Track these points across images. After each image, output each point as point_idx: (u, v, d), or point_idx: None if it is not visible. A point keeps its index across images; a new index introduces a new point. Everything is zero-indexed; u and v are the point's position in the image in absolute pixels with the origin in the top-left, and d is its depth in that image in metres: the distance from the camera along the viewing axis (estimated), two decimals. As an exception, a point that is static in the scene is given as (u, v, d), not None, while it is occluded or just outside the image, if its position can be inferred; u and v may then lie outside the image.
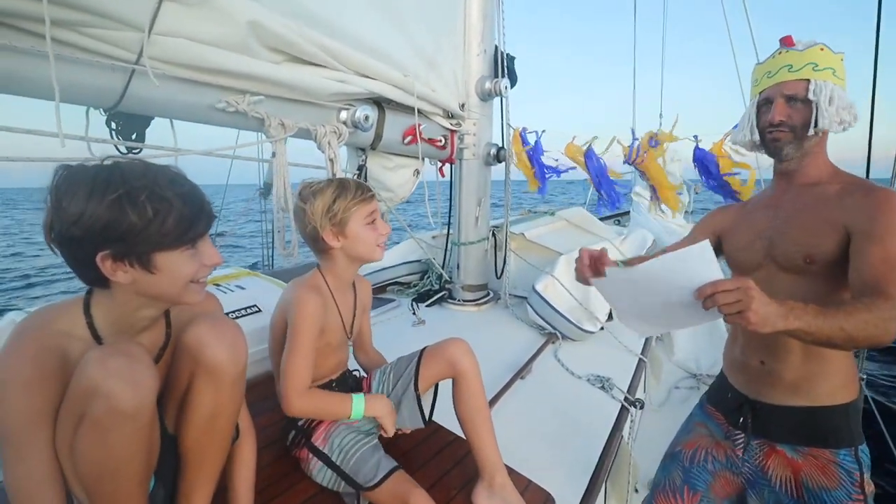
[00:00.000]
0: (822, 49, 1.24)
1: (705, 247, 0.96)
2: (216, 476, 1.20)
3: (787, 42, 1.29)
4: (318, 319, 1.41)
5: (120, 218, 0.91)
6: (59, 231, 0.92)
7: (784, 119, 1.26)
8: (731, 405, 1.40)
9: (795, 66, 1.25)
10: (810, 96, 1.23)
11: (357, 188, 1.45)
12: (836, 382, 1.23)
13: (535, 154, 3.35)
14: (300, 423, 1.49)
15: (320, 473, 1.42)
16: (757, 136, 1.35)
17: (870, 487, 1.21)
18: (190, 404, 1.11)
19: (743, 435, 1.35)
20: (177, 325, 1.18)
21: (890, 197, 1.15)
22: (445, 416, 1.62)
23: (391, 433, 1.49)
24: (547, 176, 3.38)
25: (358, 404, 1.41)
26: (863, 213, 1.15)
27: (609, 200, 3.53)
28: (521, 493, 1.48)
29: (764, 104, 1.31)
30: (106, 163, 0.96)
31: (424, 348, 1.59)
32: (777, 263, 1.28)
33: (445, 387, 1.59)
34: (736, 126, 1.47)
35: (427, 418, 1.55)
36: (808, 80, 1.23)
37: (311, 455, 1.44)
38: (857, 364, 1.30)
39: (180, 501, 1.16)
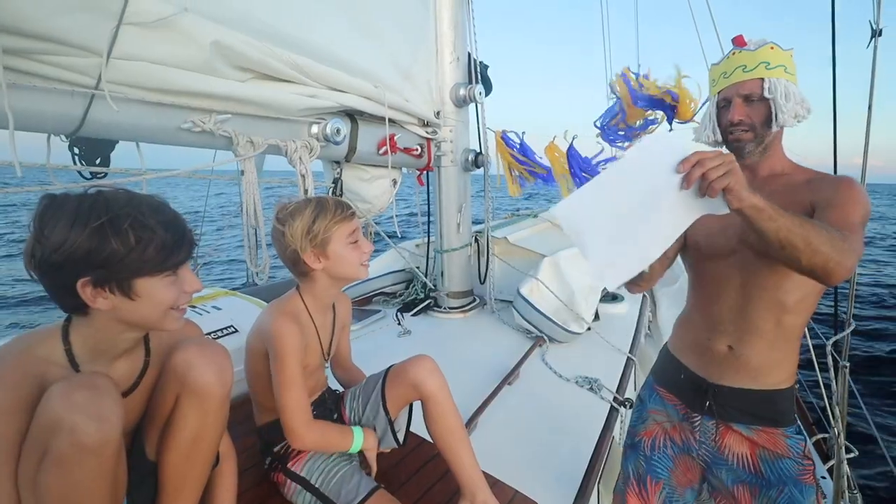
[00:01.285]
0: (772, 48, 1.29)
1: (673, 136, 0.96)
2: (196, 501, 1.19)
3: (738, 42, 1.34)
4: (300, 348, 1.38)
5: (102, 245, 0.92)
6: (41, 258, 0.92)
7: (743, 118, 1.31)
8: (686, 387, 1.42)
9: (749, 65, 1.30)
10: (766, 94, 1.28)
11: (337, 207, 1.41)
12: (787, 370, 1.31)
13: (524, 153, 3.33)
14: (276, 448, 1.47)
15: (299, 496, 1.39)
16: (720, 136, 1.38)
17: (810, 454, 1.31)
18: (173, 427, 1.11)
19: (698, 418, 1.39)
20: (156, 351, 1.18)
21: (852, 182, 1.23)
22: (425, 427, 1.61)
23: (374, 471, 1.48)
24: (534, 173, 3.35)
25: (358, 438, 1.41)
26: (827, 190, 1.22)
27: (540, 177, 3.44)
28: (507, 503, 1.47)
29: (723, 104, 1.35)
30: (91, 192, 0.97)
31: (390, 367, 1.56)
32: (752, 248, 1.30)
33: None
34: (697, 128, 1.48)
35: (402, 440, 1.54)
36: (763, 79, 1.28)
37: (288, 479, 1.41)
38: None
39: None
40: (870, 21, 2.21)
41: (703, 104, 3.15)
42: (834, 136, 2.42)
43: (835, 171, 2.40)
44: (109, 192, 0.98)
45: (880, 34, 2.21)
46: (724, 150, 1.39)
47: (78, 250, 0.91)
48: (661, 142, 0.99)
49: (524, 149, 3.35)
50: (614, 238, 1.03)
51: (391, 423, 1.51)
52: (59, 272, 0.93)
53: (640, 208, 1.00)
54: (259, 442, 1.53)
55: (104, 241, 0.92)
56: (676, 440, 1.44)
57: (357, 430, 1.42)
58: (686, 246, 1.46)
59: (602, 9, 7.19)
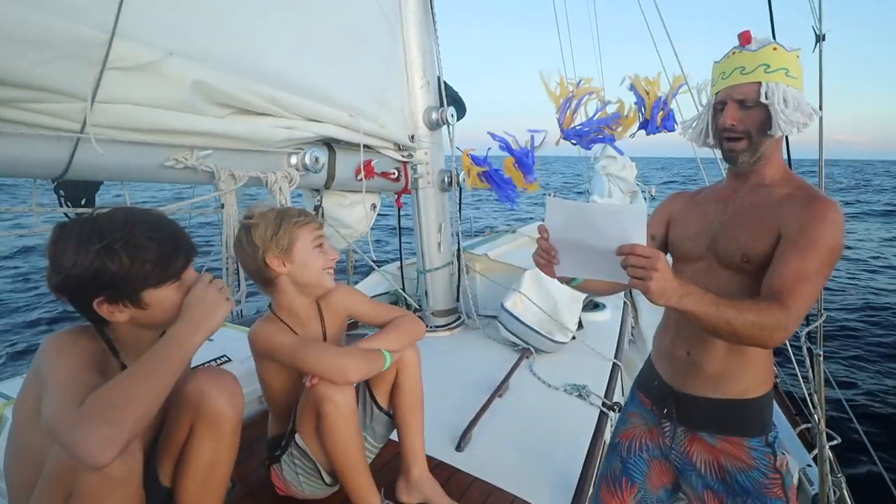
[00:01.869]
0: (774, 49, 1.21)
1: (641, 211, 1.04)
2: None
3: (744, 39, 1.26)
4: (287, 332, 1.43)
5: (103, 268, 1.01)
6: (57, 284, 1.02)
7: (735, 123, 1.24)
8: (657, 394, 1.44)
9: (748, 67, 1.23)
10: (762, 100, 1.21)
11: (300, 212, 1.45)
12: (753, 379, 1.29)
13: (492, 171, 3.41)
14: (276, 452, 1.51)
15: (303, 478, 1.46)
16: (712, 140, 1.35)
17: (784, 466, 1.28)
18: (189, 455, 1.16)
19: (669, 423, 1.40)
20: None
21: (826, 210, 1.16)
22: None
23: None
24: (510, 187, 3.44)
25: (388, 357, 1.43)
26: (795, 221, 1.17)
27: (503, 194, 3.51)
28: None
29: (719, 107, 1.29)
30: (91, 216, 1.07)
31: None
32: (717, 258, 1.31)
33: (433, 404, 1.63)
34: (685, 122, 1.47)
35: None
36: (760, 83, 1.21)
37: (280, 471, 1.48)
38: (773, 359, 1.36)
39: None
40: (812, 27, 2.35)
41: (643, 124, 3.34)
42: (820, 124, 2.52)
43: (820, 161, 2.49)
44: (104, 216, 1.06)
45: (824, 38, 2.34)
46: (718, 154, 1.38)
47: (86, 274, 1.00)
48: (624, 213, 1.08)
49: (489, 166, 3.42)
50: (569, 248, 1.18)
51: (388, 413, 1.55)
52: (76, 294, 1.04)
53: (584, 247, 1.14)
54: (267, 453, 1.56)
55: (103, 264, 1.00)
56: (652, 444, 1.45)
57: (385, 351, 1.44)
58: (665, 246, 1.48)
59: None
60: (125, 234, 1.03)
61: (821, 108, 2.39)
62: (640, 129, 3.50)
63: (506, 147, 3.38)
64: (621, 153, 6.70)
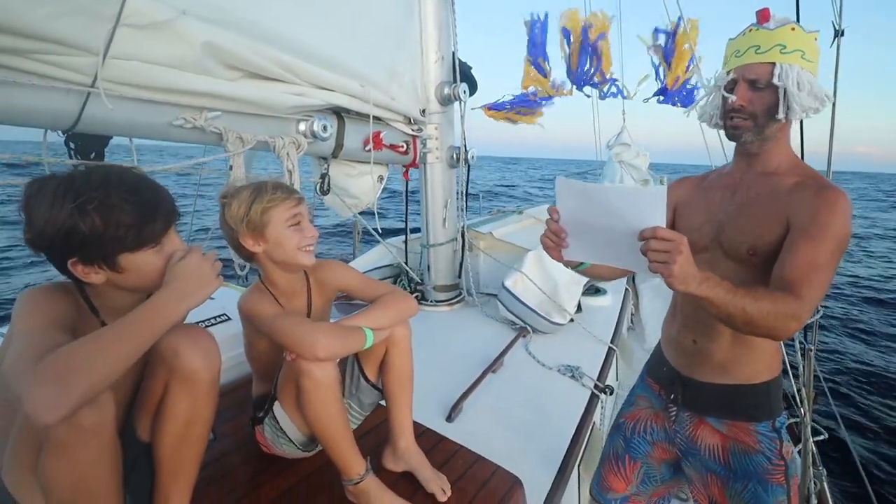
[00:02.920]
0: (792, 28, 1.17)
1: (660, 193, 0.99)
2: (192, 483, 1.23)
3: (762, 17, 1.21)
4: (272, 302, 1.44)
5: (75, 228, 0.97)
6: (29, 240, 1.00)
7: (745, 104, 1.22)
8: (665, 379, 1.46)
9: (763, 46, 1.18)
10: (775, 81, 1.17)
11: (275, 188, 1.40)
12: (759, 365, 1.29)
13: (515, 103, 3.43)
14: (260, 414, 1.55)
15: (282, 441, 1.50)
16: (719, 120, 1.32)
17: (789, 455, 1.28)
18: (165, 412, 1.15)
19: (675, 408, 1.42)
20: None
21: (838, 199, 1.14)
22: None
23: None
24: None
25: (369, 335, 1.41)
26: (806, 210, 1.15)
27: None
28: (487, 478, 1.55)
29: (730, 85, 1.25)
30: (68, 173, 1.03)
31: None
32: (722, 249, 1.30)
33: (427, 376, 1.65)
34: (700, 100, 1.43)
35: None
36: (774, 64, 1.17)
37: (264, 431, 1.53)
38: (780, 346, 1.35)
39: None
40: (832, 21, 2.31)
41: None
42: (832, 116, 2.51)
43: (829, 153, 2.46)
44: (81, 175, 1.03)
45: (843, 34, 2.30)
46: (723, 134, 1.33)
47: (58, 234, 0.97)
48: (642, 194, 1.05)
49: (515, 101, 3.42)
50: (580, 231, 1.15)
51: (375, 386, 1.58)
52: (51, 252, 1.01)
53: (600, 231, 1.10)
54: (252, 413, 1.60)
55: (75, 225, 0.97)
56: (658, 427, 1.47)
57: (367, 330, 1.41)
58: None
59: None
60: (100, 194, 0.99)
61: (834, 105, 2.38)
62: (655, 94, 3.43)
63: (501, 106, 3.39)
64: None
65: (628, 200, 1.03)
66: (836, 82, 2.26)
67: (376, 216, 2.95)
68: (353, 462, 1.37)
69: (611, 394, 2.48)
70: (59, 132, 1.62)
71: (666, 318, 1.51)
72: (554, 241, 1.17)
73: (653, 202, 1.00)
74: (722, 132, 1.33)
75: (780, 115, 1.19)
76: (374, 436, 1.69)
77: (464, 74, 3.13)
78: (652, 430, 1.49)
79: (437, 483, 1.49)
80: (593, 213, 1.09)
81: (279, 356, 1.46)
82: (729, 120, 1.26)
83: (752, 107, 1.21)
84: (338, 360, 1.40)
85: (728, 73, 1.26)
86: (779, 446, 1.27)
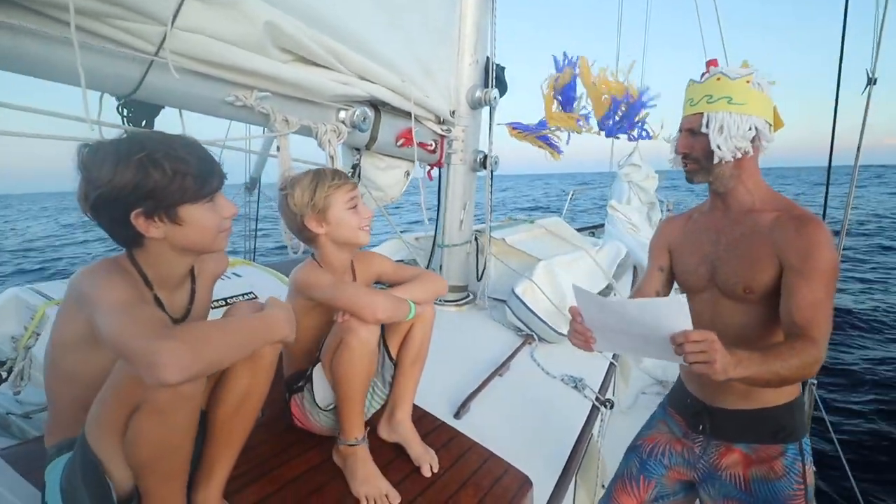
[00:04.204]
0: (718, 79, 1.31)
1: (681, 303, 1.05)
2: (237, 453, 1.27)
3: (710, 66, 1.36)
4: (325, 274, 1.53)
5: (145, 178, 1.03)
6: (94, 197, 1.03)
7: (687, 151, 1.37)
8: (689, 410, 1.50)
9: (695, 99, 1.35)
10: (702, 129, 1.31)
11: (334, 175, 1.53)
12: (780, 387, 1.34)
13: (538, 128, 3.48)
14: (300, 383, 1.62)
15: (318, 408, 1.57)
16: (679, 163, 1.44)
17: (810, 478, 1.34)
18: (226, 383, 1.21)
19: (702, 437, 1.46)
20: (199, 277, 1.31)
21: (818, 233, 1.23)
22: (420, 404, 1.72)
23: None
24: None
25: (412, 306, 1.53)
26: (794, 251, 1.24)
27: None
28: (500, 476, 1.59)
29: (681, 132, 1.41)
30: (124, 135, 1.09)
31: None
32: (719, 289, 1.38)
33: (436, 372, 1.69)
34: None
35: None
36: (702, 114, 1.31)
37: (299, 399, 1.60)
38: None
39: (202, 473, 1.23)
40: (866, 70, 2.37)
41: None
42: (834, 117, 2.57)
43: (830, 157, 2.52)
44: (143, 133, 1.11)
45: (875, 82, 2.36)
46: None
47: (126, 185, 1.02)
48: (662, 305, 1.11)
49: (538, 125, 3.47)
50: (606, 331, 1.22)
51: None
52: (113, 207, 1.04)
53: (625, 336, 1.18)
54: (284, 391, 1.65)
55: (146, 174, 1.03)
56: (676, 452, 1.51)
57: (411, 302, 1.53)
58: (672, 276, 1.55)
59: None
60: (166, 147, 1.06)
61: (859, 147, 2.43)
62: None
63: (525, 128, 3.45)
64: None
65: (650, 312, 1.10)
66: (863, 128, 2.33)
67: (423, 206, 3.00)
68: (355, 425, 1.48)
69: (611, 408, 2.53)
70: (116, 97, 1.65)
71: None
72: (581, 340, 1.26)
73: (676, 311, 1.06)
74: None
75: (716, 159, 1.31)
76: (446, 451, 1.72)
77: (496, 77, 3.16)
78: (670, 454, 1.52)
79: (425, 459, 1.58)
80: (617, 322, 1.16)
81: (318, 335, 1.55)
82: (683, 166, 1.41)
83: (694, 152, 1.36)
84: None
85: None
86: (801, 469, 1.33)
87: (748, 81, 1.29)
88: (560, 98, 3.33)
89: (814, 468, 1.36)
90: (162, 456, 1.02)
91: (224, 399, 1.20)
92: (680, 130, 1.41)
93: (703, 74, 1.38)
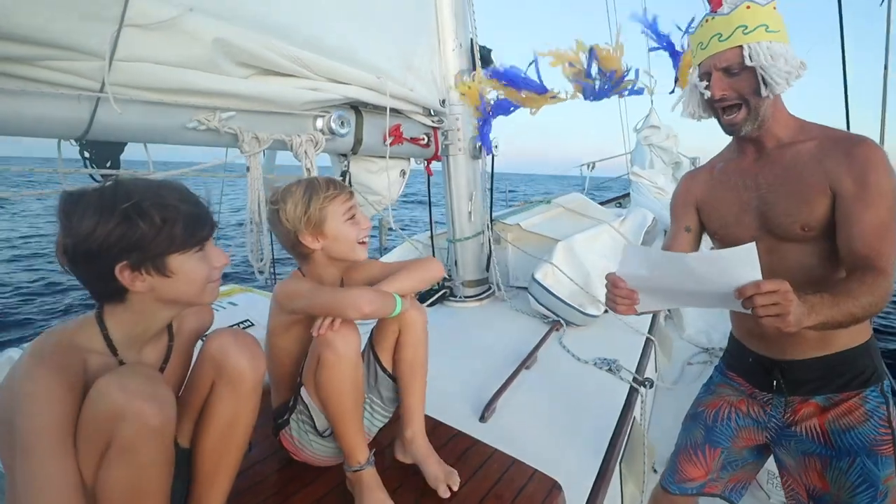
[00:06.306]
0: (748, 7, 1.16)
1: (751, 250, 0.96)
2: (229, 486, 1.23)
3: (715, 4, 1.21)
4: (307, 283, 1.43)
5: (131, 229, 0.96)
6: (74, 249, 0.96)
7: (726, 93, 1.20)
8: (755, 369, 1.37)
9: (725, 33, 1.17)
10: (747, 62, 1.15)
11: (329, 184, 1.41)
12: (853, 328, 1.21)
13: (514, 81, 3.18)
14: (285, 416, 1.52)
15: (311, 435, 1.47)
16: (708, 112, 1.29)
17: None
18: (209, 413, 1.17)
19: (771, 395, 1.35)
20: (177, 334, 1.23)
21: (872, 153, 1.13)
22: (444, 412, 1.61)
23: None
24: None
25: (398, 301, 1.41)
26: (849, 176, 1.13)
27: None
28: (524, 484, 1.47)
29: (705, 78, 1.23)
30: (108, 183, 1.02)
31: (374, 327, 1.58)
32: (774, 235, 1.25)
33: (457, 375, 1.58)
34: (682, 98, 1.38)
35: None
36: (741, 46, 1.15)
37: (289, 433, 1.49)
38: None
39: None
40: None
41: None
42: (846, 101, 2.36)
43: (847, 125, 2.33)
44: (127, 180, 1.03)
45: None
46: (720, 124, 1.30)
47: (110, 237, 0.95)
48: (728, 256, 1.01)
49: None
50: (654, 289, 1.15)
51: (395, 379, 1.54)
52: (95, 261, 0.97)
53: (682, 290, 1.10)
54: (272, 425, 1.56)
55: (132, 224, 0.96)
56: (742, 411, 1.41)
57: (396, 296, 1.41)
58: (709, 234, 1.43)
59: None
60: (154, 194, 1.00)
61: (886, 63, 2.21)
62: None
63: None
64: None
65: (714, 265, 1.02)
66: (887, 41, 2.13)
67: (390, 214, 2.89)
68: (356, 448, 1.37)
69: (650, 387, 2.37)
70: (72, 141, 1.59)
71: (735, 313, 1.43)
72: (627, 304, 1.16)
73: (745, 259, 0.97)
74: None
75: (765, 93, 1.17)
76: (390, 431, 1.64)
77: (484, 59, 3.03)
78: (737, 415, 1.41)
79: (441, 479, 1.44)
80: (672, 278, 1.08)
81: (298, 356, 1.46)
82: (723, 115, 1.23)
83: (736, 92, 1.19)
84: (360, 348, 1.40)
85: (699, 66, 1.24)
86: (886, 413, 1.22)
87: (774, 7, 1.17)
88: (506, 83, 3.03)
89: None
90: (133, 500, 0.96)
91: (208, 429, 1.16)
92: (702, 76, 1.23)
93: (710, 13, 1.22)
